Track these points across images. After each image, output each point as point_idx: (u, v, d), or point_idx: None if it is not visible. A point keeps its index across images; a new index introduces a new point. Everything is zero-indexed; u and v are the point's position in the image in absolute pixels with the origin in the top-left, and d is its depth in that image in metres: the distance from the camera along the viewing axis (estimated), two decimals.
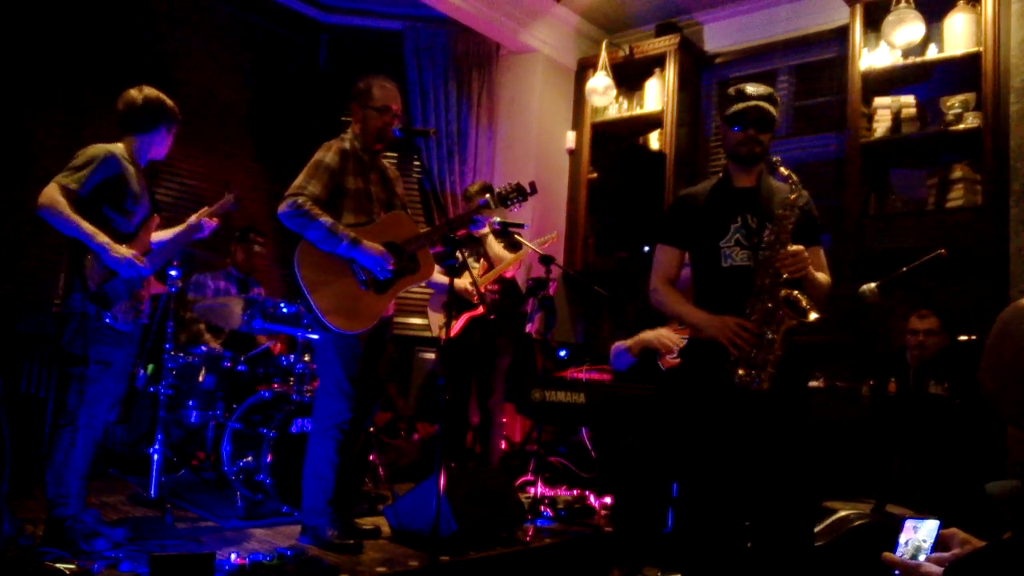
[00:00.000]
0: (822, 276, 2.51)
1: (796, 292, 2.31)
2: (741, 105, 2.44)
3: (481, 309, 4.29)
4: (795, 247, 2.35)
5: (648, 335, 3.54)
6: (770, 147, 2.53)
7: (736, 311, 2.35)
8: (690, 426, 2.48)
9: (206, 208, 3.19)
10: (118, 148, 2.96)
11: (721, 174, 2.60)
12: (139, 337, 3.04)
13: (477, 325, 4.34)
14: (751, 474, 2.37)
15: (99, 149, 2.88)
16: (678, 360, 3.61)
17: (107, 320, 2.83)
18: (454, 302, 3.96)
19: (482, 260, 4.46)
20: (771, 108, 2.44)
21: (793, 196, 2.40)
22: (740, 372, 2.30)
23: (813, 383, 4.18)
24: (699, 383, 2.47)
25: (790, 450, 2.37)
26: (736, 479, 2.38)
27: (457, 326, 4.30)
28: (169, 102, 3.05)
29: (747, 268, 2.40)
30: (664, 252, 2.60)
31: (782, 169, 2.45)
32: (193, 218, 3.15)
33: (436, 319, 4.44)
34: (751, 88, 2.47)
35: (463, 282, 4.24)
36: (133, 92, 3.01)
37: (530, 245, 4.34)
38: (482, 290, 4.26)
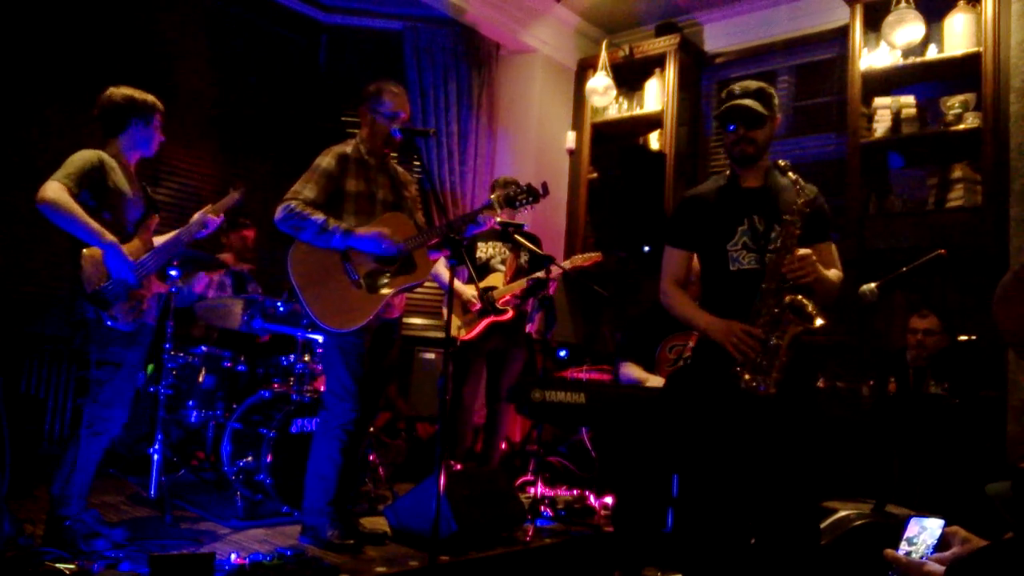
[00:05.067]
0: (833, 272, 2.49)
1: (801, 297, 2.30)
2: (725, 105, 2.46)
3: (509, 314, 4.26)
4: (803, 251, 2.33)
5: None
6: (769, 145, 2.51)
7: (743, 315, 2.34)
8: (696, 427, 2.46)
9: (210, 206, 3.18)
10: (106, 152, 2.96)
11: (728, 172, 2.57)
12: (148, 338, 3.04)
13: (496, 330, 4.32)
14: (757, 475, 2.36)
15: (87, 154, 2.88)
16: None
17: (108, 322, 2.84)
18: (453, 301, 3.94)
19: (508, 263, 4.39)
20: (755, 104, 2.42)
21: (801, 200, 2.37)
22: (746, 377, 2.29)
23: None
24: (707, 385, 2.45)
25: (798, 451, 2.36)
26: (740, 480, 2.37)
27: (476, 330, 4.29)
28: (140, 96, 3.01)
29: (755, 271, 2.39)
30: (672, 254, 2.58)
31: (790, 174, 2.43)
32: (197, 215, 3.14)
33: (454, 318, 4.38)
34: (738, 87, 2.48)
35: (468, 290, 4.22)
36: (105, 94, 3.01)
37: (535, 252, 4.29)
38: (507, 297, 4.25)
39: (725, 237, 2.45)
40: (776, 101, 2.51)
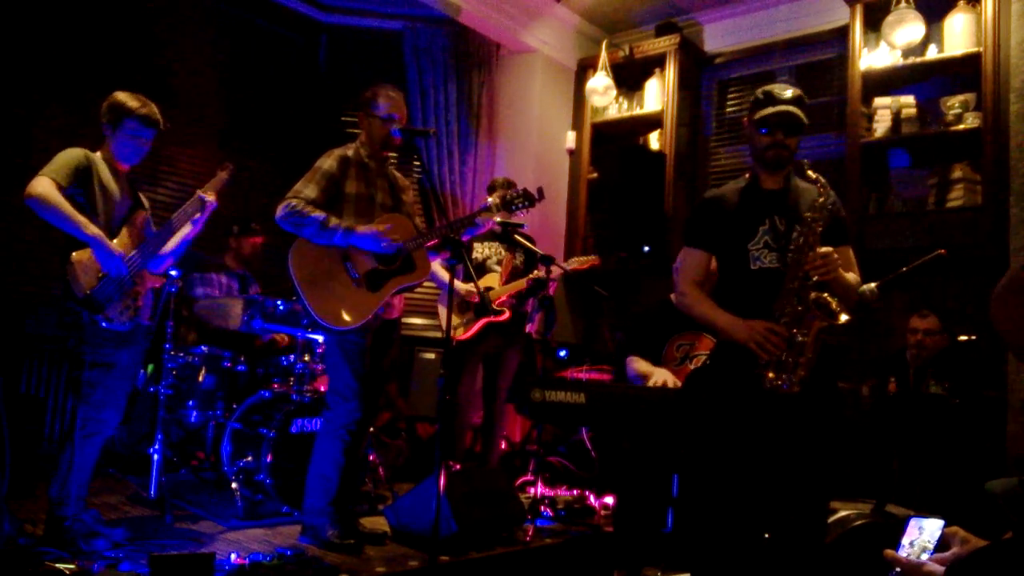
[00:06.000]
0: (851, 276, 2.49)
1: (826, 294, 2.30)
2: (771, 109, 2.40)
3: (506, 315, 4.24)
4: (824, 249, 2.33)
5: None
6: (799, 150, 2.50)
7: (764, 314, 2.33)
8: (718, 428, 2.43)
9: (199, 191, 3.17)
10: (96, 152, 2.97)
11: (748, 175, 2.57)
12: (144, 337, 3.03)
13: (493, 331, 4.31)
14: (776, 475, 2.35)
15: (74, 151, 2.90)
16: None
17: (103, 324, 2.84)
18: (453, 303, 3.95)
19: (504, 263, 4.38)
20: (800, 112, 2.40)
21: (821, 199, 2.38)
22: (770, 375, 2.28)
23: None
24: (728, 386, 2.43)
25: (817, 451, 2.36)
26: (756, 480, 2.36)
27: (473, 329, 4.28)
28: (119, 101, 2.96)
29: (776, 270, 2.38)
30: (691, 255, 2.57)
31: (810, 172, 2.43)
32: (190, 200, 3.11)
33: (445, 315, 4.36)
34: (780, 91, 2.43)
35: (464, 285, 4.23)
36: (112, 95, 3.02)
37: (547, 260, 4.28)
38: (504, 298, 4.24)
39: (746, 236, 2.44)
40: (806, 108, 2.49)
